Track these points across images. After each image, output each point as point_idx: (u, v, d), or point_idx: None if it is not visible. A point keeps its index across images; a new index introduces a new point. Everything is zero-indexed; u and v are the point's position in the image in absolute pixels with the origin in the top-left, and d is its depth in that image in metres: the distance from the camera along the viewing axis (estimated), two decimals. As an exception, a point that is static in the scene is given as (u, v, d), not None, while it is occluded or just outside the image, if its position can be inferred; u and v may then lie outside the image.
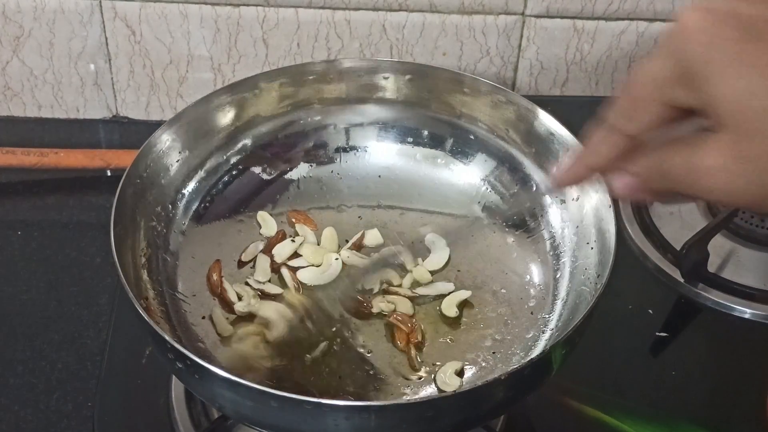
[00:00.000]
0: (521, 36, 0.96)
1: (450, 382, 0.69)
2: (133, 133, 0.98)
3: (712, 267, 0.84)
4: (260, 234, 0.79)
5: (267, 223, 0.79)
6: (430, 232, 0.77)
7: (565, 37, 0.97)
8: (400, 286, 0.76)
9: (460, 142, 0.83)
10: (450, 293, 0.75)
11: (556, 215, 0.78)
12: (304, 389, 0.68)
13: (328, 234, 0.79)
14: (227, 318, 0.72)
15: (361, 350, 0.71)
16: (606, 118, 0.50)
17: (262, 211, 0.80)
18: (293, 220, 0.80)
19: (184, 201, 0.78)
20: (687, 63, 0.45)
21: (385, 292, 0.75)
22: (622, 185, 0.51)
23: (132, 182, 0.73)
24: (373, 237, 0.79)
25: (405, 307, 0.74)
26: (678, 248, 0.84)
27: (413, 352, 0.71)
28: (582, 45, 0.97)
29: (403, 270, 0.77)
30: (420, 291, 0.75)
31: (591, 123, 0.52)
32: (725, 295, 0.83)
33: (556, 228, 0.77)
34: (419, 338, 0.72)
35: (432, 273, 0.77)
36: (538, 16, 0.95)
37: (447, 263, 0.78)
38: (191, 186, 0.79)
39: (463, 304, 0.74)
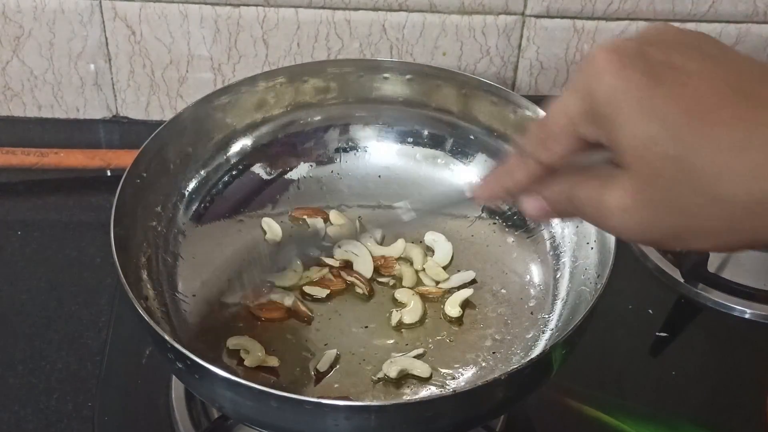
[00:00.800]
0: (521, 36, 0.96)
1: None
2: (133, 133, 0.98)
3: (712, 267, 0.84)
4: (265, 240, 0.79)
5: (272, 228, 0.79)
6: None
7: (565, 37, 0.97)
8: (417, 285, 0.76)
9: (460, 142, 0.83)
10: (454, 292, 0.75)
11: (556, 215, 0.78)
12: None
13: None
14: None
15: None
16: (522, 145, 0.51)
17: (267, 217, 0.80)
18: (305, 217, 0.80)
19: (184, 201, 0.78)
20: (595, 102, 0.46)
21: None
22: (532, 207, 0.52)
23: (132, 182, 0.73)
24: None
25: (417, 306, 0.74)
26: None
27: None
28: (582, 45, 0.97)
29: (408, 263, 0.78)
30: (444, 286, 0.76)
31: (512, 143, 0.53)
32: (725, 295, 0.83)
33: (556, 228, 0.77)
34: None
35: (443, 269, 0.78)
36: (538, 16, 0.95)
37: (452, 258, 0.78)
38: (191, 186, 0.79)
39: (465, 304, 0.75)
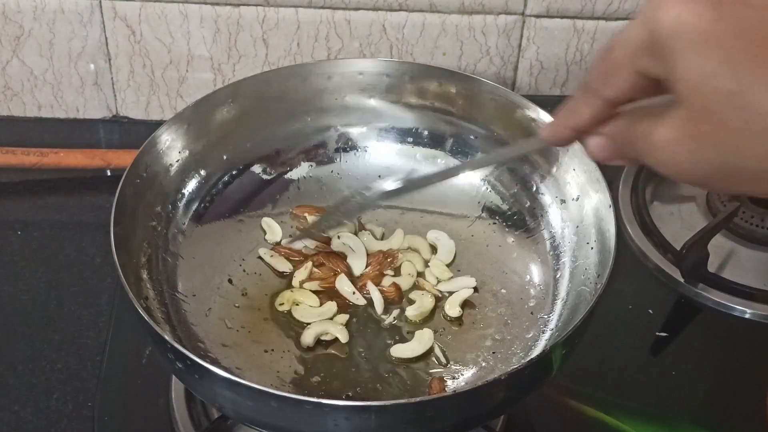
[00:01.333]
0: (521, 36, 0.96)
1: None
2: (133, 133, 0.98)
3: (712, 267, 0.84)
4: (265, 240, 0.79)
5: (272, 228, 0.79)
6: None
7: (565, 37, 0.97)
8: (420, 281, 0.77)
9: (460, 142, 0.83)
10: (454, 292, 0.75)
11: (556, 215, 0.78)
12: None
13: None
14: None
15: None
16: (585, 81, 0.51)
17: (267, 217, 0.80)
18: (305, 214, 0.80)
19: (184, 201, 0.78)
20: (656, 34, 0.45)
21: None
22: (595, 146, 0.52)
23: (132, 182, 0.73)
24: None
25: (427, 304, 0.74)
26: (678, 248, 0.84)
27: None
28: (582, 45, 0.97)
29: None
30: (443, 288, 0.76)
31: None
32: (725, 295, 0.83)
33: (556, 228, 0.77)
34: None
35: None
36: (538, 16, 0.95)
37: (455, 256, 0.78)
38: (191, 186, 0.79)
39: (464, 304, 0.75)
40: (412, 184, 0.72)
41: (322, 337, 0.72)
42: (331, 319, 0.73)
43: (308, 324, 0.73)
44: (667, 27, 0.45)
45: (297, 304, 0.74)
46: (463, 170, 0.76)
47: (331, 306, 0.74)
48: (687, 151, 0.46)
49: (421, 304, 0.74)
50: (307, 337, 0.72)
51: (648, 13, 0.46)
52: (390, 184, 0.71)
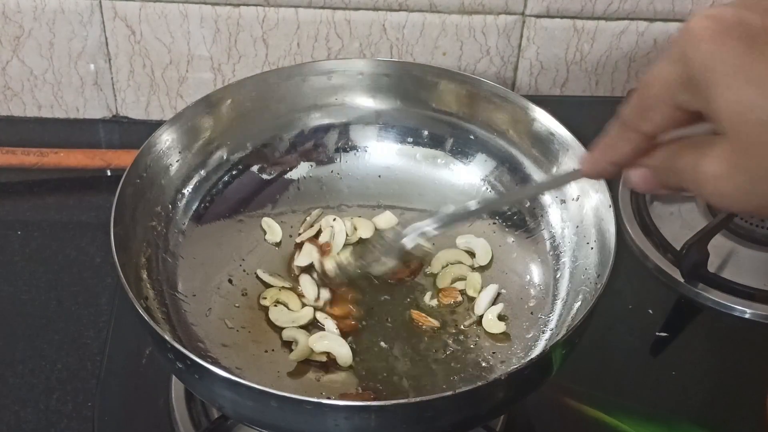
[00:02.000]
0: (521, 36, 0.96)
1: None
2: (133, 133, 0.98)
3: (712, 267, 0.84)
4: (265, 240, 0.79)
5: (272, 229, 0.79)
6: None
7: (565, 37, 0.97)
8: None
9: (460, 142, 0.83)
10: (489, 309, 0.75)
11: (556, 215, 0.78)
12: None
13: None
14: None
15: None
16: (621, 116, 0.51)
17: (267, 217, 0.80)
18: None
19: (184, 201, 0.78)
20: (692, 69, 0.46)
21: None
22: (638, 178, 0.52)
23: (132, 182, 0.73)
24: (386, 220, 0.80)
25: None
26: (678, 248, 0.84)
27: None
28: (582, 45, 0.97)
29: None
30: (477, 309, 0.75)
31: (600, 122, 0.53)
32: (725, 295, 0.83)
33: (556, 228, 0.77)
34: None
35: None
36: (538, 16, 0.95)
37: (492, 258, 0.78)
38: (191, 186, 0.79)
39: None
40: (451, 219, 0.72)
41: (315, 358, 0.71)
42: (305, 327, 0.73)
43: (282, 329, 0.72)
44: (701, 62, 0.45)
45: (277, 304, 0.74)
46: (501, 203, 0.77)
47: (307, 312, 0.73)
48: (736, 185, 0.46)
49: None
50: (296, 355, 0.71)
51: (681, 48, 0.46)
52: (429, 223, 0.71)
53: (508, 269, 0.77)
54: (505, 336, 0.73)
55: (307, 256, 0.77)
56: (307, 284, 0.75)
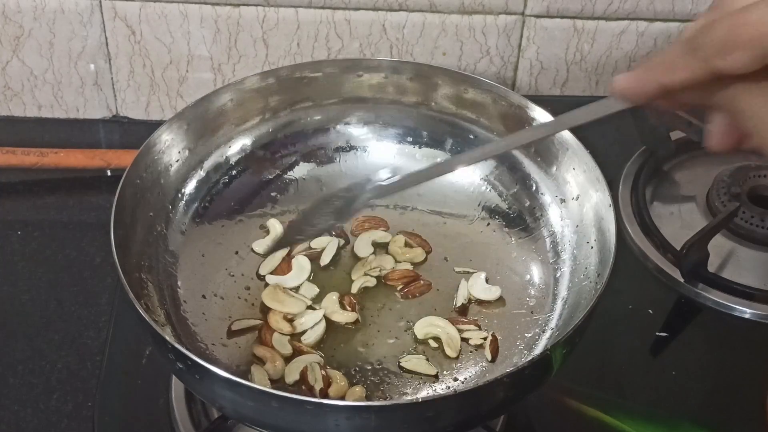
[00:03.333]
0: (521, 36, 0.96)
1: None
2: (133, 133, 0.99)
3: (712, 267, 0.84)
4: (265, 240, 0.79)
5: (274, 228, 0.79)
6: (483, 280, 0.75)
7: (565, 37, 0.97)
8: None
9: (460, 142, 0.83)
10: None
11: (555, 214, 0.78)
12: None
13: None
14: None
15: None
16: (692, 41, 0.46)
17: (273, 219, 0.80)
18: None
19: (184, 201, 0.78)
20: None
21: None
22: (719, 133, 0.49)
23: (132, 182, 0.73)
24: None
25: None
26: (678, 248, 0.84)
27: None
28: (582, 45, 0.97)
29: None
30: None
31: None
32: (725, 295, 0.83)
33: (556, 227, 0.77)
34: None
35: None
36: (538, 16, 0.95)
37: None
38: (191, 186, 0.79)
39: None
40: (408, 180, 0.70)
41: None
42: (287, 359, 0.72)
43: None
44: None
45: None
46: (461, 164, 0.71)
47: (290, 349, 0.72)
48: None
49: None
50: (290, 376, 0.70)
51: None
52: (385, 180, 0.69)
53: (508, 269, 0.77)
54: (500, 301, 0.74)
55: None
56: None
